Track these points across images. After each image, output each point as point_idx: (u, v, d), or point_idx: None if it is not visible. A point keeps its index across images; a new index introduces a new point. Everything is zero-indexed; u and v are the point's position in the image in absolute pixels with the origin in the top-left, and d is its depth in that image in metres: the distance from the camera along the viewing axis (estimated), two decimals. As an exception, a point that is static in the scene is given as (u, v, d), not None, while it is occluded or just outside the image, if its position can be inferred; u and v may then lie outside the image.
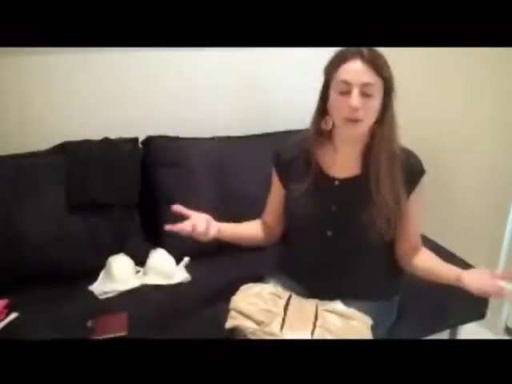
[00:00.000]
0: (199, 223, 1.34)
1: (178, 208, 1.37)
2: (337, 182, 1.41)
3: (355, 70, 1.26)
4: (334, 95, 1.30)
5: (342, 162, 1.41)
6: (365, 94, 1.26)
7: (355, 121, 1.28)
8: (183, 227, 1.33)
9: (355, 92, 1.25)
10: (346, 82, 1.26)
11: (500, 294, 1.22)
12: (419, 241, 1.46)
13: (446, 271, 1.37)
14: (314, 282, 1.45)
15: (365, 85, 1.26)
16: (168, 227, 1.32)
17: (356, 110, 1.26)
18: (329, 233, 1.40)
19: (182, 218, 1.37)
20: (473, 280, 1.26)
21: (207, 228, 1.35)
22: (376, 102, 1.29)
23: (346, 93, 1.27)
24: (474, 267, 1.81)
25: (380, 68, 1.27)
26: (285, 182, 1.48)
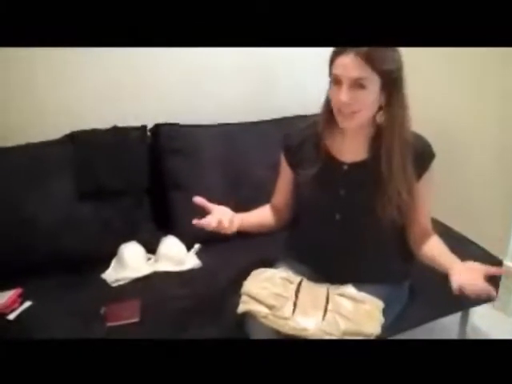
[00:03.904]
0: (224, 218, 1.32)
1: (200, 201, 1.34)
2: (345, 167, 1.40)
3: (345, 64, 1.23)
4: (331, 86, 1.30)
5: (350, 146, 1.40)
6: (357, 87, 1.24)
7: (348, 114, 1.27)
8: (209, 222, 1.30)
9: (344, 87, 1.24)
10: (337, 76, 1.26)
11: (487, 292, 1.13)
12: (430, 225, 1.45)
13: (443, 262, 1.30)
14: (325, 266, 1.45)
15: (355, 79, 1.23)
16: (195, 221, 1.28)
17: (347, 104, 1.25)
18: (337, 216, 1.40)
19: (202, 210, 1.34)
20: (458, 280, 1.17)
21: (231, 222, 1.34)
22: (370, 95, 1.26)
23: (339, 86, 1.26)
24: (487, 250, 1.82)
25: (376, 61, 1.23)
26: (293, 165, 1.48)
